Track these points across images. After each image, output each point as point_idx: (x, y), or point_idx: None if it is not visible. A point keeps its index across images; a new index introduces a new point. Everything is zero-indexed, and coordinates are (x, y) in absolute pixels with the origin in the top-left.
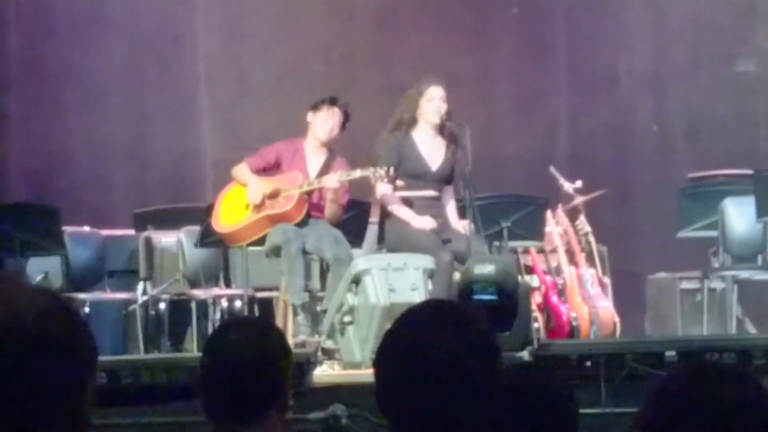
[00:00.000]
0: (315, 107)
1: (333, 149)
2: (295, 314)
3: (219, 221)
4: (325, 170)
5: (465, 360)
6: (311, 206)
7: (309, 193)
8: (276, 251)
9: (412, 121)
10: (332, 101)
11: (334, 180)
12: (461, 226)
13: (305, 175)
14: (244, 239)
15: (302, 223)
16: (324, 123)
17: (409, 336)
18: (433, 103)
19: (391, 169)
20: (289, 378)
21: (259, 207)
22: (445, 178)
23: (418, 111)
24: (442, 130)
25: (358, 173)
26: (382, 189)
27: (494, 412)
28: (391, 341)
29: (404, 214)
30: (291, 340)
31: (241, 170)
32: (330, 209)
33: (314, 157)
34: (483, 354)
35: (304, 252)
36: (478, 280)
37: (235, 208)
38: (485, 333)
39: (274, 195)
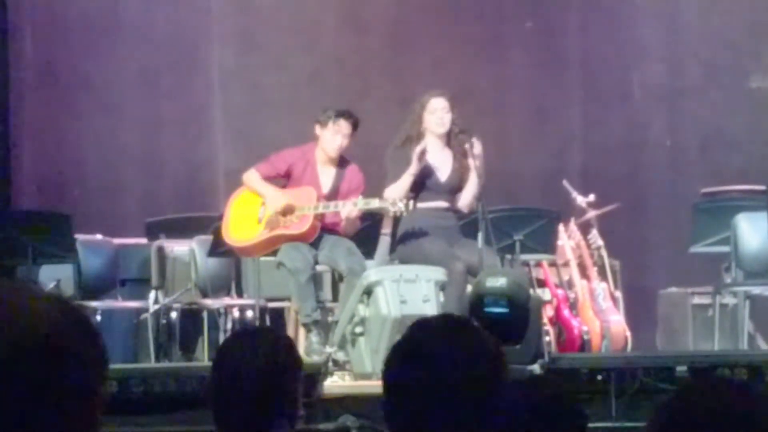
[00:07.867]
0: (321, 122)
1: (345, 156)
2: (308, 331)
3: (230, 233)
4: (337, 183)
5: (472, 374)
6: (324, 225)
7: (323, 213)
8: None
9: (419, 135)
10: (338, 115)
11: (351, 210)
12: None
13: (318, 190)
14: (255, 254)
15: (315, 240)
16: (332, 139)
17: (417, 349)
18: (435, 115)
19: (411, 202)
20: (299, 388)
21: (272, 223)
22: (455, 189)
23: (423, 124)
24: (450, 141)
25: (376, 203)
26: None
27: (500, 426)
28: (398, 353)
29: (405, 178)
30: (302, 352)
31: (253, 179)
32: (346, 227)
33: (325, 168)
34: (490, 368)
35: (315, 270)
36: (489, 292)
37: (246, 220)
38: (493, 348)
39: (287, 211)
